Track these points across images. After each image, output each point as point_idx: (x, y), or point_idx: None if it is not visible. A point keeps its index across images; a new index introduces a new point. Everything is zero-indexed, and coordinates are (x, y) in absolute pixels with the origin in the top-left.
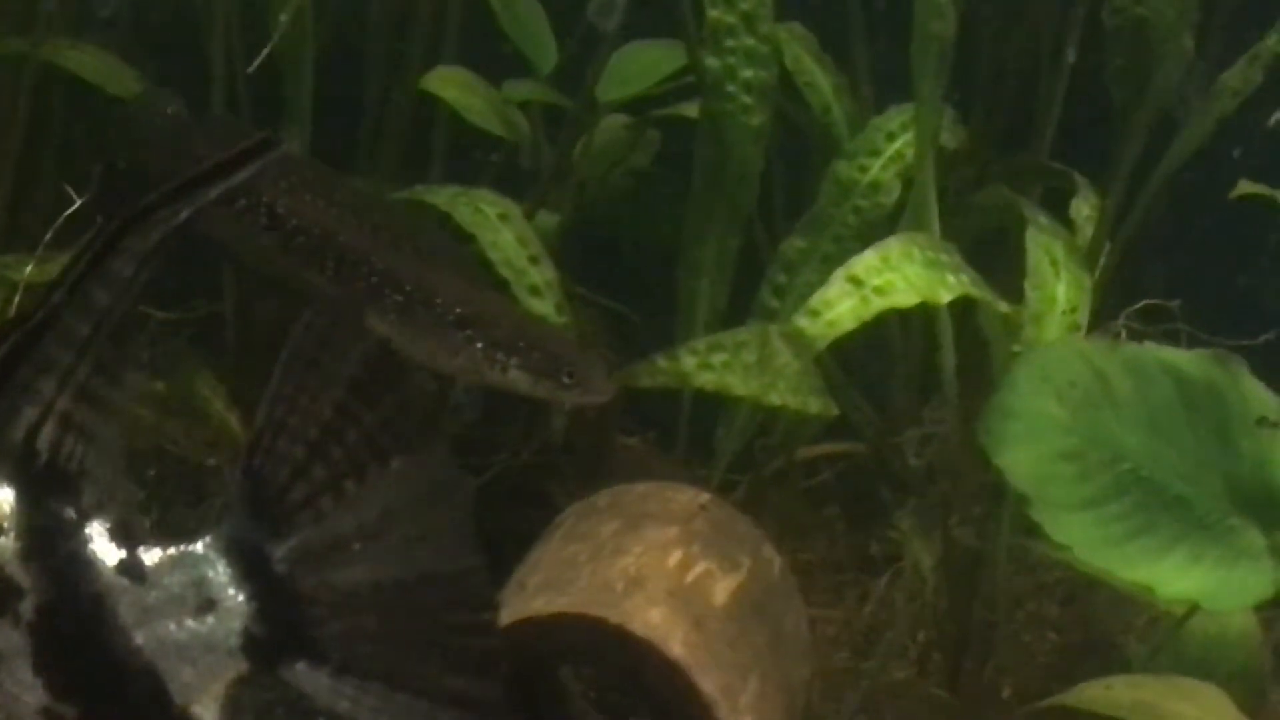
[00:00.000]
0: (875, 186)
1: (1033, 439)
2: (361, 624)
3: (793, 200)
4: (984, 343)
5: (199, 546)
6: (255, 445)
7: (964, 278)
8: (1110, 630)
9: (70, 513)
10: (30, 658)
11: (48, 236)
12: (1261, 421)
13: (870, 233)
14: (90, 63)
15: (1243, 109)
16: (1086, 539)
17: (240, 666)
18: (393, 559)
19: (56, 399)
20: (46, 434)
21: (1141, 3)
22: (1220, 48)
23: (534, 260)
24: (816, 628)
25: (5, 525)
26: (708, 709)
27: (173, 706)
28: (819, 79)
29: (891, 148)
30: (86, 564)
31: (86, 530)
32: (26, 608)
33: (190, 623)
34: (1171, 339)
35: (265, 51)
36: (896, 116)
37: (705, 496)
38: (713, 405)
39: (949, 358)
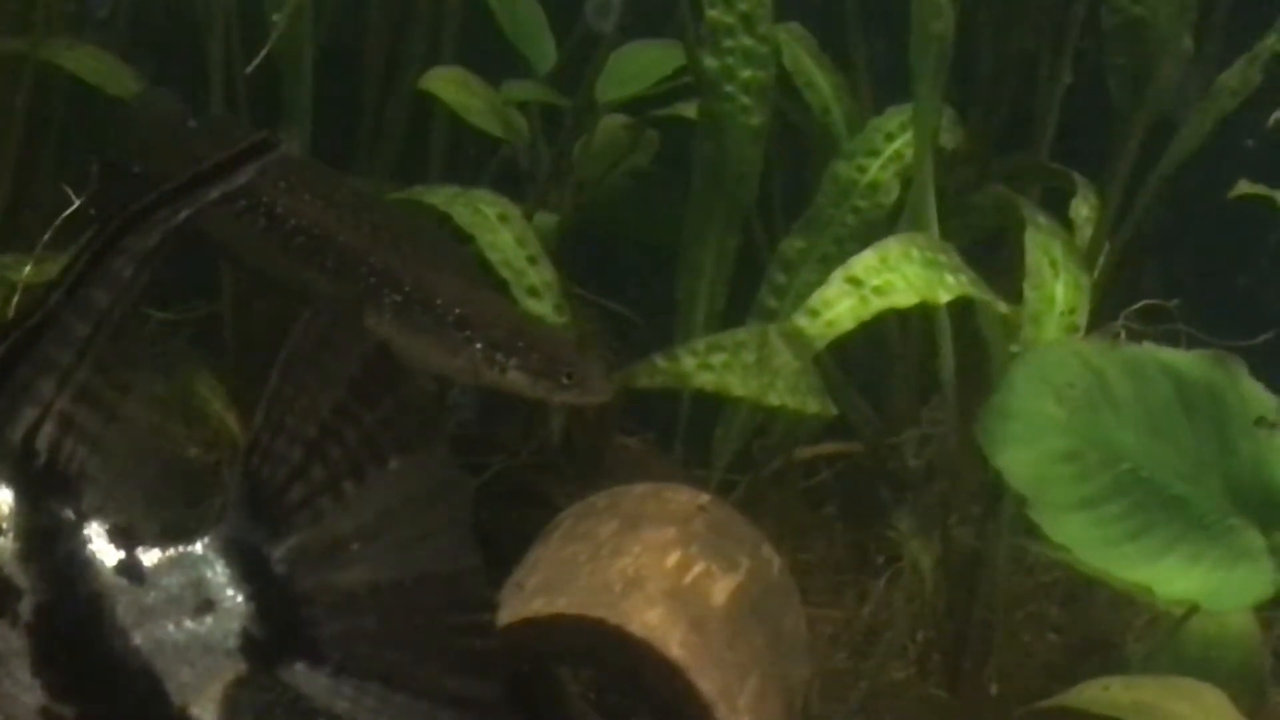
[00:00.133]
0: (874, 187)
1: (1031, 439)
2: (360, 624)
3: (792, 200)
4: (983, 343)
5: (198, 547)
6: (254, 445)
7: (963, 278)
8: (1109, 630)
9: (69, 513)
10: (29, 658)
11: (46, 236)
12: (1260, 422)
13: (869, 233)
14: (89, 63)
15: (1242, 109)
16: (1085, 539)
17: (239, 667)
18: (391, 559)
19: (56, 399)
20: (46, 434)
21: (1140, 2)
22: (1219, 48)
23: (533, 261)
24: (815, 628)
25: (4, 526)
26: (706, 710)
27: (171, 707)
28: (818, 79)
29: (890, 148)
30: (85, 565)
31: (85, 531)
32: (25, 608)
33: (189, 623)
34: (1170, 339)
35: (263, 53)
36: (895, 116)
37: (704, 497)
38: (711, 405)
39: (948, 358)
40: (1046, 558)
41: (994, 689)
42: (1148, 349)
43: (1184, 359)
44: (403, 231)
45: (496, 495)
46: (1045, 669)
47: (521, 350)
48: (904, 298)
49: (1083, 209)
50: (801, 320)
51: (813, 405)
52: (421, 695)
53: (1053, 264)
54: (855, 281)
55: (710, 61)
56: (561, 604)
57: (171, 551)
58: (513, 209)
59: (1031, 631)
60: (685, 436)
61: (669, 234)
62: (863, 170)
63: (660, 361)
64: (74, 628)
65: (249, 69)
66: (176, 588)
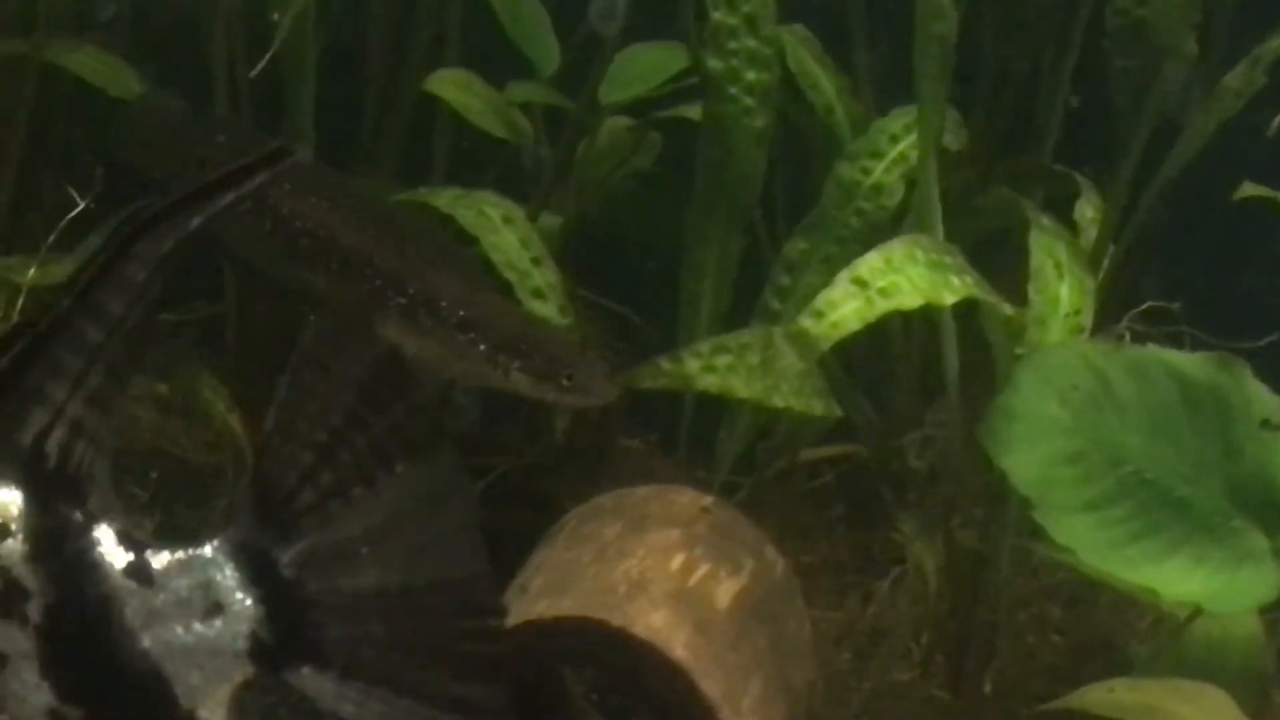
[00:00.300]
0: (878, 189)
1: (1035, 441)
2: (367, 629)
3: (795, 202)
4: (987, 345)
5: (207, 550)
6: (264, 450)
7: (968, 279)
8: (1113, 633)
9: (78, 516)
10: (37, 660)
11: (50, 239)
12: (1265, 424)
13: (873, 235)
14: (92, 64)
15: (1246, 111)
16: (1089, 541)
17: (246, 670)
18: (400, 564)
19: (67, 404)
20: (56, 438)
21: (1144, 4)
22: (1223, 50)
23: (536, 262)
24: (819, 630)
25: (13, 528)
26: (710, 712)
27: (179, 709)
28: (821, 81)
29: (894, 150)
30: (94, 567)
31: (94, 533)
32: (34, 610)
33: (197, 626)
34: (1175, 341)
35: (268, 56)
36: (899, 118)
37: (708, 499)
38: (715, 407)
39: (952, 360)
40: (1050, 560)
41: (997, 691)
42: (1152, 351)
43: (1188, 361)
44: (407, 234)
45: (500, 497)
46: (1049, 671)
47: (524, 352)
48: (909, 299)
49: (1087, 211)
50: (806, 321)
51: (817, 407)
52: (428, 700)
53: (1057, 266)
54: (860, 283)
55: (714, 63)
56: (565, 606)
57: (180, 554)
58: (517, 211)
59: (1035, 633)
60: (689, 438)
61: (672, 236)
62: (867, 172)
63: (664, 363)
64: (83, 629)
65: (253, 73)
66: (185, 590)
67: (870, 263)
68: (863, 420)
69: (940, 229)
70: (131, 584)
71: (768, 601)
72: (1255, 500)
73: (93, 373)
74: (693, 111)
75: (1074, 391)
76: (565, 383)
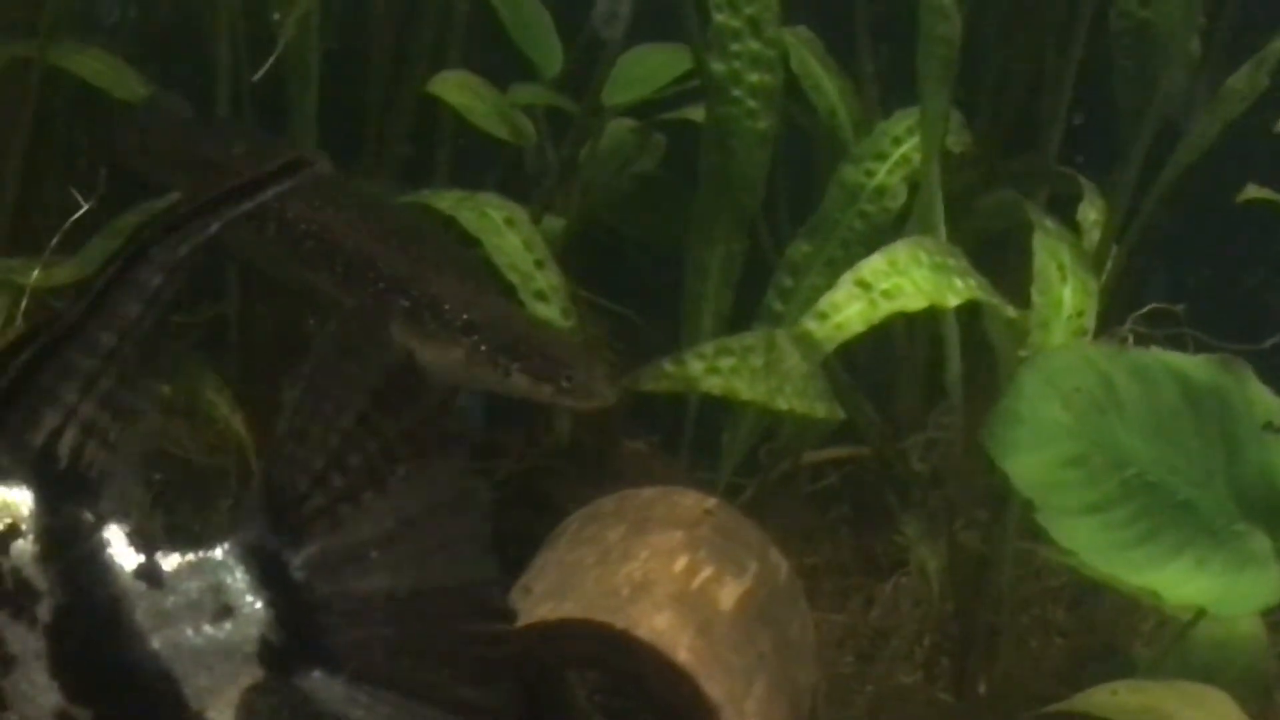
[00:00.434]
0: (881, 191)
1: (1038, 444)
2: (377, 632)
3: (798, 204)
4: (990, 347)
5: (217, 553)
6: (276, 452)
7: (971, 282)
8: (1116, 635)
9: (88, 517)
10: (46, 660)
11: (54, 241)
12: (1268, 427)
13: (876, 237)
14: (95, 66)
15: (1249, 113)
16: (1092, 544)
17: (256, 673)
18: (410, 568)
19: (79, 406)
20: (68, 440)
21: (1147, 6)
22: (1226, 51)
23: (540, 264)
24: (822, 632)
25: (24, 528)
26: (713, 714)
27: (188, 711)
28: (824, 83)
29: (897, 152)
30: (104, 568)
31: (105, 534)
32: (44, 610)
33: (207, 628)
34: (1177, 344)
35: (271, 59)
36: (902, 120)
37: (711, 501)
38: (718, 409)
39: (955, 362)
40: (1053, 562)
41: (1001, 693)
42: (1155, 353)
43: (1191, 363)
44: (411, 236)
45: (503, 499)
46: (1052, 673)
47: (523, 354)
48: (913, 301)
49: (1090, 213)
50: (810, 323)
51: (820, 409)
52: (436, 704)
53: (1060, 268)
54: (864, 285)
55: (717, 65)
56: (569, 608)
57: (191, 556)
58: (520, 213)
59: (1038, 636)
60: (692, 440)
61: (675, 238)
62: (870, 174)
63: (667, 365)
64: (92, 630)
65: (256, 76)
66: (196, 592)
67: (874, 265)
68: (866, 423)
69: (943, 231)
70: (142, 585)
71: (771, 604)
72: (1258, 503)
73: (106, 375)
74: (696, 114)
75: (1077, 394)
76: (565, 384)
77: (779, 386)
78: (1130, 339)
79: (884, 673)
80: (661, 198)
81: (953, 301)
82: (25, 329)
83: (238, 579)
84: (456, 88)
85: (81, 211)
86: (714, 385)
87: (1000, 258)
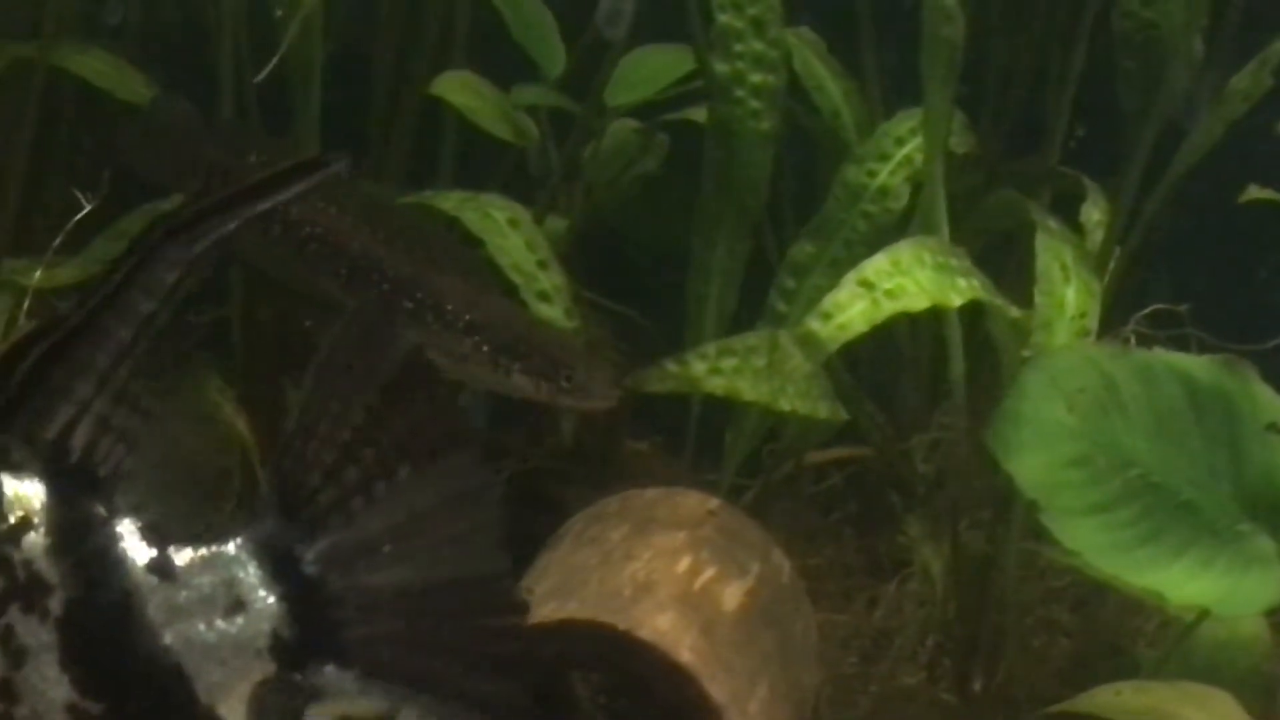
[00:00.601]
0: (884, 191)
1: (1042, 445)
2: (389, 627)
3: (801, 205)
4: (993, 348)
5: (230, 547)
6: (287, 447)
7: (974, 282)
8: (1120, 635)
9: (101, 511)
10: (57, 653)
11: (56, 242)
12: (1271, 427)
13: (879, 237)
14: (99, 68)
15: (1252, 113)
16: (1096, 544)
17: (268, 668)
18: (422, 562)
19: (93, 400)
20: (81, 434)
21: (1150, 6)
22: (1230, 52)
23: (543, 265)
24: (825, 633)
25: (35, 521)
26: (716, 715)
27: (199, 706)
28: (828, 83)
29: (900, 152)
30: (116, 562)
31: (117, 528)
32: (55, 604)
33: (219, 623)
34: (1180, 344)
35: (274, 61)
36: (905, 121)
37: (714, 502)
38: (721, 410)
39: (958, 363)
40: (1057, 563)
41: (1004, 694)
42: (1158, 354)
43: (1194, 363)
44: (414, 237)
45: (507, 499)
46: (1056, 674)
47: (524, 353)
48: (916, 301)
49: (1093, 213)
50: (814, 323)
51: (823, 410)
52: (449, 698)
53: (1063, 269)
54: (867, 285)
55: (720, 66)
56: (572, 609)
57: (204, 551)
58: (523, 213)
59: (1042, 636)
60: (695, 441)
61: (679, 238)
62: (873, 175)
63: (670, 366)
64: (104, 624)
65: (258, 78)
66: (208, 587)
67: (877, 265)
68: (869, 423)
69: (946, 232)
70: (154, 580)
71: (774, 604)
72: (1262, 503)
73: (120, 371)
74: (699, 114)
75: (1080, 395)
76: (565, 384)
77: (782, 387)
78: (1133, 339)
79: (887, 673)
80: (665, 198)
81: (956, 301)
82: (40, 323)
83: (250, 574)
84: (460, 88)
85: (84, 212)
86: (717, 386)
87: (1003, 259)
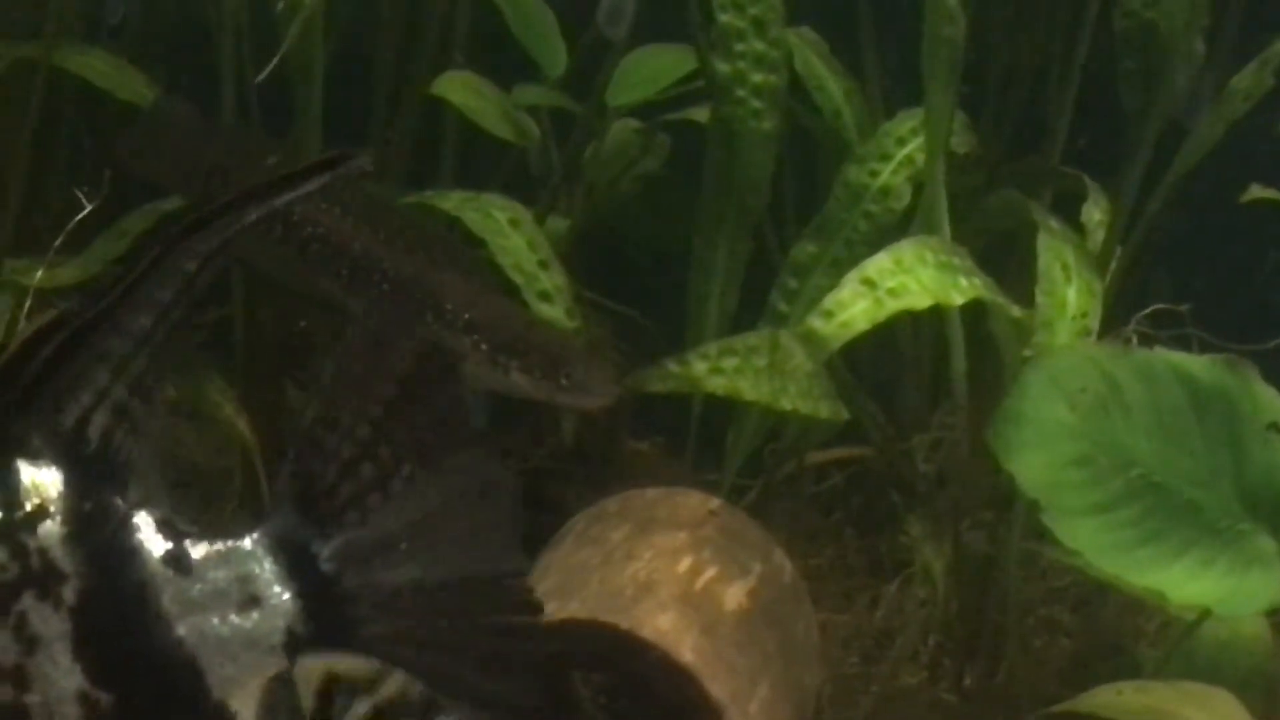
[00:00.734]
0: (886, 191)
1: (1043, 444)
2: (404, 624)
3: (803, 205)
4: (994, 348)
5: (246, 543)
6: (305, 442)
7: (976, 281)
8: (1121, 635)
9: (118, 501)
10: (70, 642)
11: (58, 242)
12: (1272, 427)
13: (881, 237)
14: (100, 68)
15: (1254, 113)
16: (1097, 544)
17: (281, 664)
18: (437, 560)
19: (111, 389)
20: (98, 422)
21: (1152, 6)
22: (1231, 51)
23: (544, 265)
24: (827, 633)
25: (52, 509)
26: (717, 715)
27: (210, 700)
28: (829, 83)
29: (902, 152)
30: (131, 553)
31: (134, 520)
32: (69, 592)
33: (234, 618)
34: (1182, 344)
35: (274, 61)
36: (907, 121)
37: (715, 502)
38: (723, 410)
39: (959, 363)
40: (1058, 563)
41: (1006, 694)
42: (1160, 353)
43: (1196, 363)
44: (415, 237)
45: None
46: (1057, 674)
47: (522, 352)
48: (918, 300)
49: (1094, 213)
50: (816, 322)
51: (824, 410)
52: (462, 695)
53: (1064, 268)
54: (870, 283)
55: (722, 66)
56: (573, 609)
57: (220, 545)
58: (524, 213)
59: (1043, 636)
60: (696, 441)
61: (680, 238)
62: (874, 175)
63: (671, 366)
64: (117, 615)
65: (259, 78)
66: (223, 582)
67: (879, 263)
68: (871, 423)
69: (948, 231)
70: (169, 572)
71: (775, 604)
72: (1263, 503)
73: (137, 360)
74: (701, 114)
75: (1082, 394)
76: (564, 382)
77: (783, 387)
78: (1135, 339)
79: (889, 673)
80: (666, 198)
81: (958, 300)
82: (61, 311)
83: (266, 569)
84: (461, 88)
85: (85, 212)
86: (718, 386)
87: (1004, 258)
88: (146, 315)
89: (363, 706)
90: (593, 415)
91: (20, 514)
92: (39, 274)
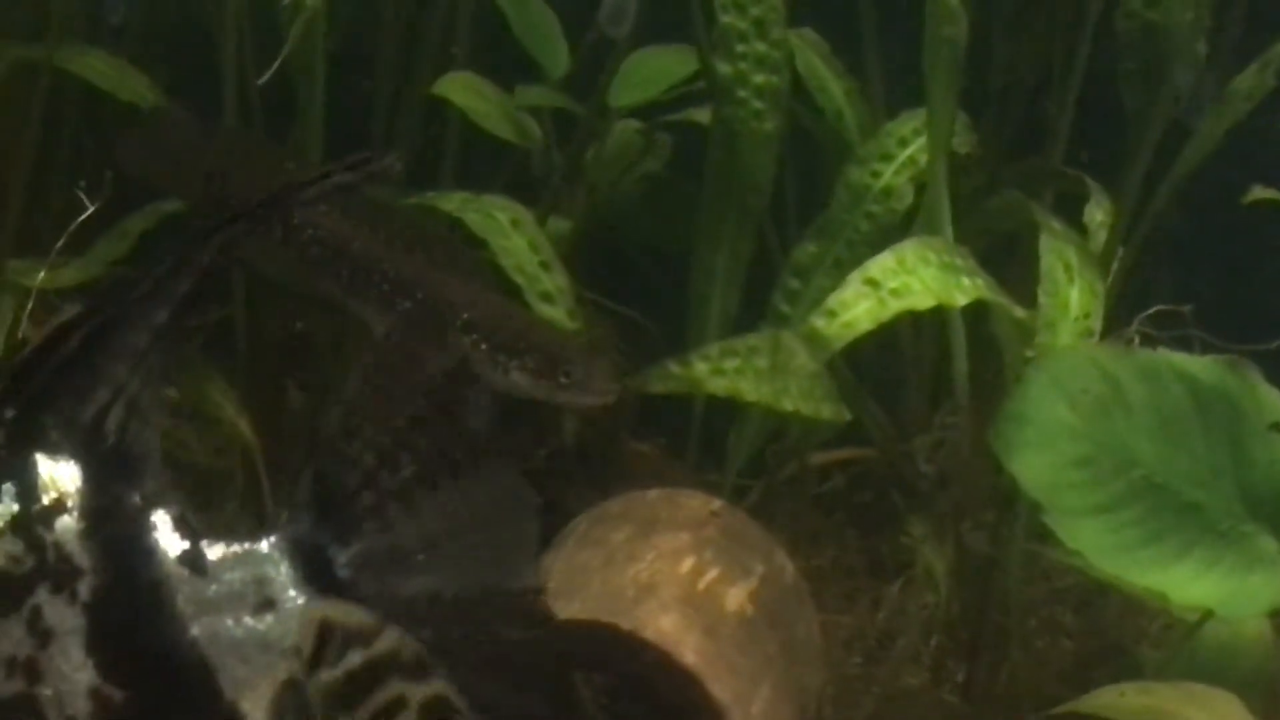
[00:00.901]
0: (888, 192)
1: (1045, 445)
2: (418, 634)
3: (805, 206)
4: (996, 348)
5: (263, 545)
6: (328, 449)
7: (979, 281)
8: (1123, 636)
9: (135, 498)
10: (84, 637)
11: (60, 243)
12: (1274, 427)
13: (883, 238)
14: (102, 69)
15: (1256, 113)
16: (1099, 545)
17: (293, 667)
18: (454, 571)
19: (128, 382)
20: (115, 417)
21: (1154, 7)
22: (1233, 52)
23: (545, 266)
24: (829, 634)
25: (69, 504)
26: (719, 716)
27: (221, 700)
28: (830, 84)
29: (904, 153)
30: (148, 551)
31: (151, 518)
32: (84, 588)
33: (248, 620)
34: (1184, 345)
35: (277, 63)
36: (909, 121)
37: (717, 503)
38: (724, 410)
39: (961, 363)
40: (1060, 563)
41: (1008, 695)
42: (1162, 354)
43: (1198, 364)
44: (415, 238)
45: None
46: (1059, 675)
47: (521, 351)
48: (921, 300)
49: (1096, 214)
50: (819, 321)
51: (826, 411)
52: (472, 706)
53: (1067, 269)
54: (873, 283)
55: (723, 67)
56: (575, 610)
57: (236, 547)
58: (525, 214)
59: (1045, 637)
60: (698, 441)
61: (682, 239)
62: (876, 175)
63: (673, 367)
64: (132, 612)
65: (262, 80)
66: (239, 583)
67: (882, 263)
68: (873, 424)
69: (950, 232)
70: (184, 572)
71: (777, 605)
72: (1265, 503)
73: (153, 353)
74: (703, 115)
75: (1084, 395)
76: (564, 380)
77: (784, 387)
78: (1137, 340)
79: (890, 674)
80: (667, 199)
81: (960, 300)
82: (85, 306)
83: (282, 573)
84: (463, 89)
85: (87, 214)
86: (719, 386)
87: (1006, 259)
88: (165, 309)
89: (356, 657)
90: (593, 415)
91: (38, 507)
92: (41, 275)
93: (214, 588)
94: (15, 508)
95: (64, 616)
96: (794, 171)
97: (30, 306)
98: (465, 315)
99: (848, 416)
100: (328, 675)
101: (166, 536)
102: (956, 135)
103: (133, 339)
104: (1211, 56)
